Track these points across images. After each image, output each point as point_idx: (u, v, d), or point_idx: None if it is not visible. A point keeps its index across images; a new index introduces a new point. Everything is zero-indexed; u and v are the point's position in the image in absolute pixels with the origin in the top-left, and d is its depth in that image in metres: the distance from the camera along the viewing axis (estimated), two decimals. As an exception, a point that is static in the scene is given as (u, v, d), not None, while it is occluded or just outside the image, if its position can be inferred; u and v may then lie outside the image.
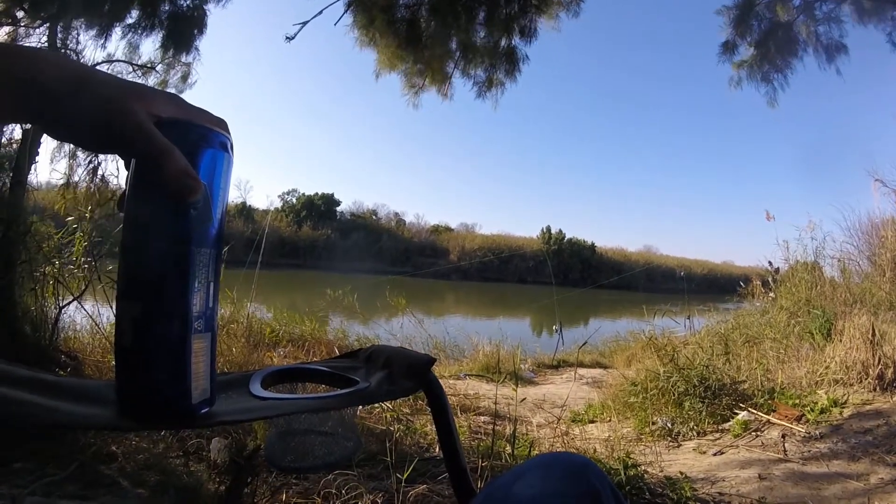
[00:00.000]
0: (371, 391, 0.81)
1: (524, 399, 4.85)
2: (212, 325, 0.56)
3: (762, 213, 8.13)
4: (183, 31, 6.18)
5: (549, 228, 54.40)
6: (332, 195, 53.68)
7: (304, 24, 5.84)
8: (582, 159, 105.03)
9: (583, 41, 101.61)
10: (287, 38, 5.95)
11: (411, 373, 0.85)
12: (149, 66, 6.43)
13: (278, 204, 52.43)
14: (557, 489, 0.72)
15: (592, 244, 55.73)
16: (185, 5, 6.18)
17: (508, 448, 3.07)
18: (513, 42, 6.24)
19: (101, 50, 5.92)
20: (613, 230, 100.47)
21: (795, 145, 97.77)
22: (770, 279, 7.79)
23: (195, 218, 0.52)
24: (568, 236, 54.35)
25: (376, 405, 3.49)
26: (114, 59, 6.16)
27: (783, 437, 3.79)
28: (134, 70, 6.39)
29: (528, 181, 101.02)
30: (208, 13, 6.22)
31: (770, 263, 8.11)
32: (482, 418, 4.32)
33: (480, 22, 6.16)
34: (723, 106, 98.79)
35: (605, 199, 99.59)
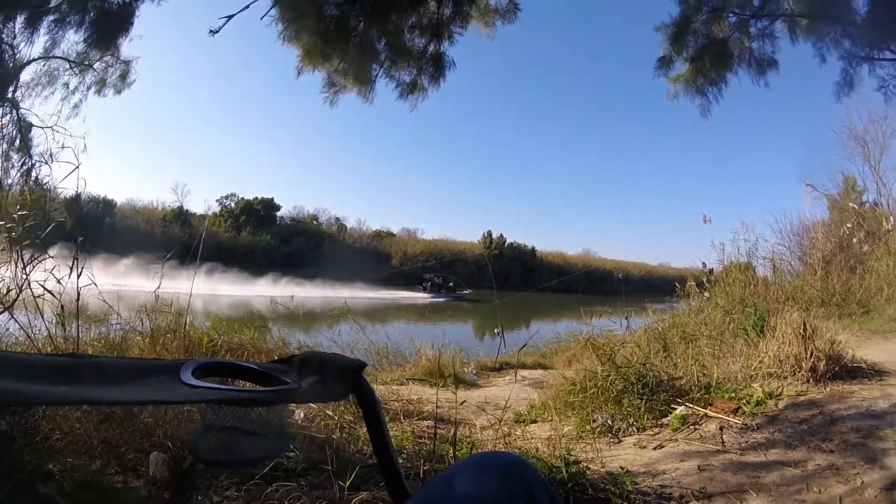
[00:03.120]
0: (301, 392, 0.84)
1: (464, 402, 4.80)
2: None
3: (698, 216, 8.40)
4: (107, 28, 5.89)
5: (490, 233, 55.33)
6: (272, 199, 52.92)
7: (230, 17, 5.62)
8: (521, 164, 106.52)
9: (519, 45, 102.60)
10: (211, 31, 5.70)
11: (343, 377, 0.86)
12: (86, 63, 6.14)
13: (216, 208, 51.21)
14: (492, 488, 0.75)
15: (533, 248, 56.99)
16: (115, 2, 5.89)
17: (451, 451, 3.04)
18: (441, 47, 6.18)
19: (30, 46, 5.64)
20: (553, 234, 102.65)
21: (731, 150, 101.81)
22: (704, 280, 8.01)
23: None
24: (509, 241, 55.25)
25: (319, 414, 3.44)
26: (51, 55, 5.87)
27: (721, 429, 3.84)
28: (71, 67, 6.11)
29: (470, 186, 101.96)
30: (137, 12, 5.94)
31: (704, 264, 8.35)
32: (426, 423, 4.24)
33: (410, 25, 6.09)
34: (660, 111, 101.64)
35: (545, 204, 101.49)
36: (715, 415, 4.10)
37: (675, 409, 4.39)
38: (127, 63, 6.43)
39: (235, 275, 35.68)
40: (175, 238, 37.99)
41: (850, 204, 11.84)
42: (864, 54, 6.04)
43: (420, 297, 38.30)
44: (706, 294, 7.66)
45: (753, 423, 3.82)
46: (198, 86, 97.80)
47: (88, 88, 6.30)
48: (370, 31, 5.97)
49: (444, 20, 6.04)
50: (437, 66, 6.22)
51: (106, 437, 2.63)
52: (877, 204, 14.27)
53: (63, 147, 4.94)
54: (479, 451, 3.36)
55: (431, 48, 6.17)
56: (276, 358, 1.00)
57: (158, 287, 4.64)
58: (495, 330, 11.25)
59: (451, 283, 38.13)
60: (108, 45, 6.02)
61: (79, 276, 3.51)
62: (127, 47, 6.24)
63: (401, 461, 2.96)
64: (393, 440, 3.43)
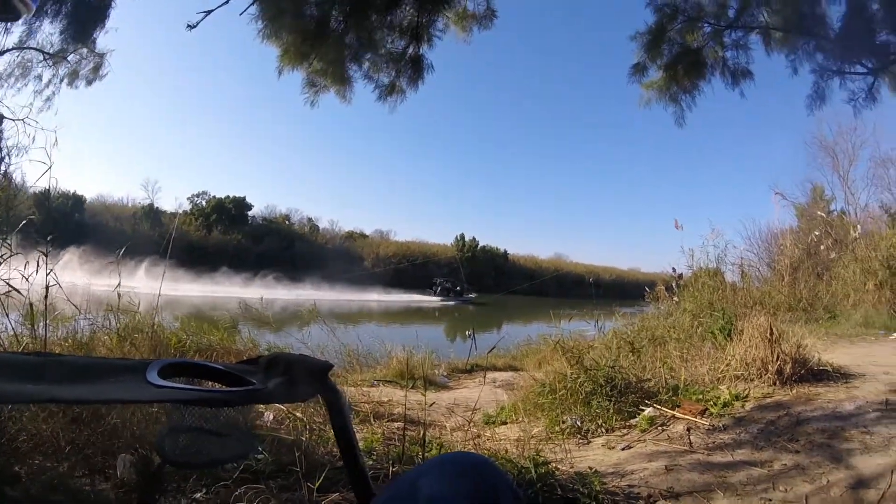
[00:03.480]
0: (267, 392, 0.83)
1: (433, 403, 4.82)
2: None
3: (669, 222, 8.52)
4: (84, 20, 5.79)
5: (462, 236, 55.48)
6: (244, 198, 52.21)
7: (209, 12, 5.56)
8: (495, 167, 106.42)
9: (494, 51, 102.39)
10: (189, 26, 5.62)
11: (309, 378, 0.87)
12: (60, 55, 6.03)
13: (187, 207, 50.40)
14: (456, 487, 0.75)
15: (505, 251, 57.34)
16: None
17: (421, 452, 3.04)
18: (420, 50, 6.19)
19: (5, 35, 5.53)
20: (526, 238, 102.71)
21: (704, 157, 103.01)
22: (674, 284, 8.11)
23: None
24: (481, 244, 55.43)
25: (288, 416, 3.41)
26: (25, 45, 5.75)
27: (688, 430, 3.87)
28: (45, 59, 6.00)
29: (444, 189, 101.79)
30: (113, 3, 5.85)
31: (673, 269, 8.48)
32: (396, 424, 4.22)
33: (389, 26, 6.09)
34: (633, 118, 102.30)
35: (517, 208, 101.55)
36: (682, 416, 4.14)
37: (643, 410, 4.42)
38: (101, 56, 6.36)
39: (206, 274, 35.34)
40: (145, 236, 37.34)
41: (819, 212, 12.25)
42: (836, 68, 6.20)
43: (430, 300, 38.99)
44: (675, 298, 7.76)
45: (720, 425, 3.86)
46: (171, 81, 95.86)
47: (62, 81, 6.22)
48: (349, 31, 5.95)
49: (423, 23, 6.05)
50: (415, 69, 6.23)
51: (73, 439, 2.57)
52: (844, 212, 14.81)
53: (34, 140, 4.86)
54: (449, 451, 3.36)
55: (410, 50, 6.17)
56: (245, 359, 0.99)
57: (118, 285, 4.54)
58: (466, 332, 11.26)
59: (458, 287, 40.04)
60: (84, 36, 5.94)
61: (47, 274, 3.44)
62: (102, 39, 6.18)
63: (370, 463, 2.95)
64: (363, 442, 3.42)
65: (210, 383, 0.88)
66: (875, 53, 6.01)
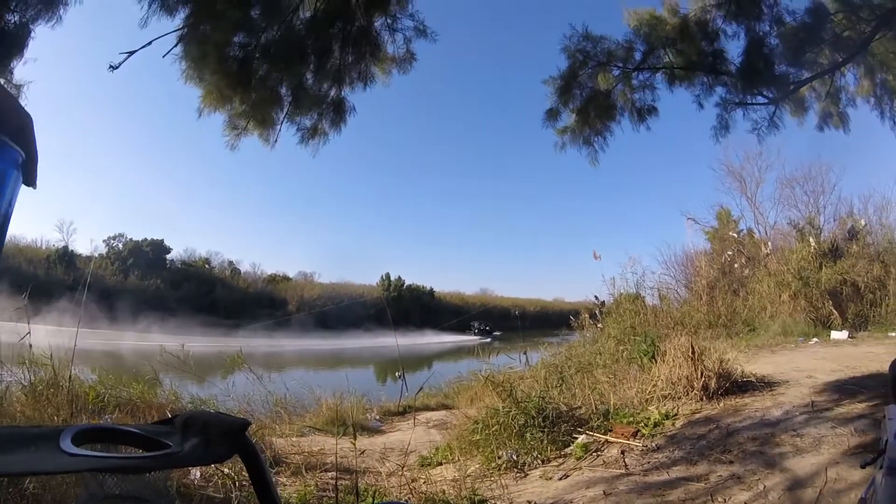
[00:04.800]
0: (183, 455, 0.79)
1: (363, 451, 4.69)
2: None
3: (589, 253, 8.75)
4: (1, 49, 5.47)
5: (388, 275, 55.06)
6: (162, 241, 49.92)
7: (132, 53, 5.39)
8: (419, 206, 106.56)
9: (415, 93, 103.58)
10: (111, 67, 5.43)
11: (226, 438, 0.83)
12: None
13: (103, 249, 47.76)
14: None
15: (431, 289, 57.25)
16: (11, 21, 5.50)
17: (356, 502, 3.02)
18: (342, 93, 6.20)
19: None
20: (451, 275, 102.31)
21: (618, 188, 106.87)
22: (597, 311, 8.28)
23: None
24: (407, 282, 55.32)
25: (216, 473, 3.28)
26: None
27: (622, 453, 3.89)
28: None
29: (367, 230, 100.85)
30: (32, 33, 5.54)
31: (596, 297, 8.67)
32: (329, 474, 4.06)
33: (312, 69, 6.07)
34: (547, 155, 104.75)
35: (442, 245, 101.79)
36: (615, 440, 4.17)
37: (576, 438, 4.44)
38: (19, 87, 5.95)
39: (124, 321, 33.56)
40: (59, 280, 35.18)
41: (730, 233, 13.02)
42: (739, 100, 6.59)
43: (470, 339, 41.84)
44: (599, 325, 7.91)
45: (653, 444, 3.92)
46: (88, 117, 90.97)
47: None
48: (273, 75, 5.88)
49: (346, 66, 6.05)
50: (337, 111, 6.22)
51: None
52: (752, 231, 15.84)
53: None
54: (385, 499, 3.33)
55: (333, 93, 6.15)
56: (168, 415, 0.92)
57: (28, 334, 4.22)
58: (396, 373, 11.09)
59: (487, 328, 46.38)
60: (1, 67, 5.58)
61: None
62: (20, 70, 5.82)
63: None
64: (295, 495, 3.24)
65: (126, 448, 0.83)
66: (775, 84, 6.45)
